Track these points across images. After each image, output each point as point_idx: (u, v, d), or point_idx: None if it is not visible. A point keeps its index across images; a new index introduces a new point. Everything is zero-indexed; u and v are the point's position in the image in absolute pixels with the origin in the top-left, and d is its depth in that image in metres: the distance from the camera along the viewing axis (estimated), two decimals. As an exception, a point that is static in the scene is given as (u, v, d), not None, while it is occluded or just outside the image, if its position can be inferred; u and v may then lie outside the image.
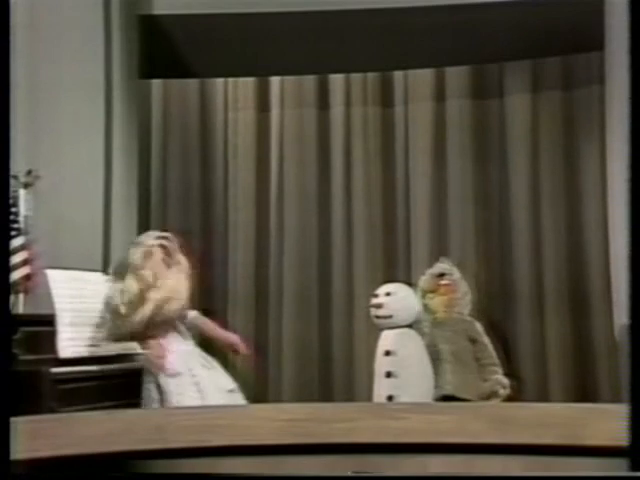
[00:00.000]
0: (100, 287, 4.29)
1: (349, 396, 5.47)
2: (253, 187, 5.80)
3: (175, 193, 5.81)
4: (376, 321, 4.96)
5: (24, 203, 4.27)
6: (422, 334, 4.99)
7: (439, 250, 5.52)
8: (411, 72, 5.71)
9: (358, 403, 4.24)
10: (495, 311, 5.48)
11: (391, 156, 5.76)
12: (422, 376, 4.83)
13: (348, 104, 5.78)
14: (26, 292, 4.21)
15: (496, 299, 5.49)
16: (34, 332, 3.85)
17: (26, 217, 4.28)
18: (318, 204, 5.75)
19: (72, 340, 3.99)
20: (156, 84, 5.83)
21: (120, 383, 3.99)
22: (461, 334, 4.97)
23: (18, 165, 4.19)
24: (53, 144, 4.84)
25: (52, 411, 3.51)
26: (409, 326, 4.92)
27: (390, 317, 4.88)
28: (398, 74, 5.75)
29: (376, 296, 4.97)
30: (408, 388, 4.73)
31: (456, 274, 5.13)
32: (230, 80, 5.87)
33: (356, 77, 5.77)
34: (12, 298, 4.12)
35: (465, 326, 5.02)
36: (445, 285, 5.09)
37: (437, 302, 5.08)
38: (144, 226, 5.58)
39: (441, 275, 5.14)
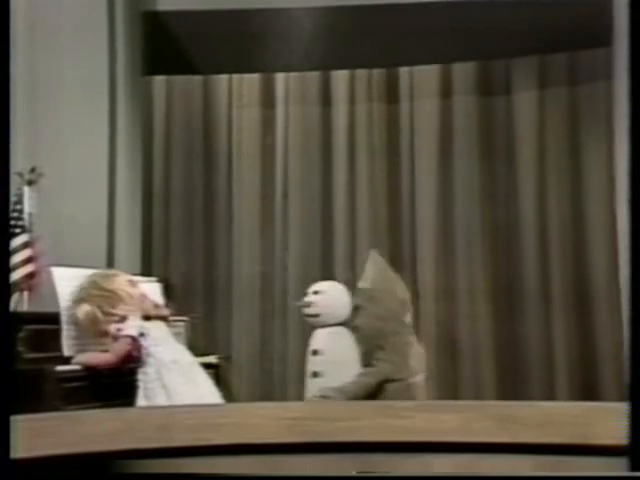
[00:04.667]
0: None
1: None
2: (257, 184, 5.78)
3: (179, 190, 5.80)
4: (306, 319, 4.92)
5: (28, 201, 4.26)
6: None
7: (445, 248, 5.49)
8: (416, 68, 5.68)
9: (362, 401, 4.22)
10: (501, 309, 5.46)
11: (396, 153, 5.73)
12: (350, 376, 4.72)
13: (353, 101, 5.76)
14: (30, 290, 4.20)
15: (502, 297, 5.47)
16: (38, 330, 3.84)
17: (30, 214, 4.26)
18: (323, 201, 5.73)
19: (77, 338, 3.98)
20: (160, 81, 5.82)
21: (125, 382, 3.98)
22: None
23: (22, 162, 4.19)
24: (57, 141, 4.83)
25: (56, 409, 3.50)
26: (342, 324, 4.88)
27: (318, 316, 4.83)
28: (403, 70, 5.72)
29: (306, 294, 4.93)
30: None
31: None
32: (234, 77, 5.85)
33: (361, 73, 5.75)
34: (16, 296, 4.11)
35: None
36: None
37: None
38: (148, 223, 5.58)
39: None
